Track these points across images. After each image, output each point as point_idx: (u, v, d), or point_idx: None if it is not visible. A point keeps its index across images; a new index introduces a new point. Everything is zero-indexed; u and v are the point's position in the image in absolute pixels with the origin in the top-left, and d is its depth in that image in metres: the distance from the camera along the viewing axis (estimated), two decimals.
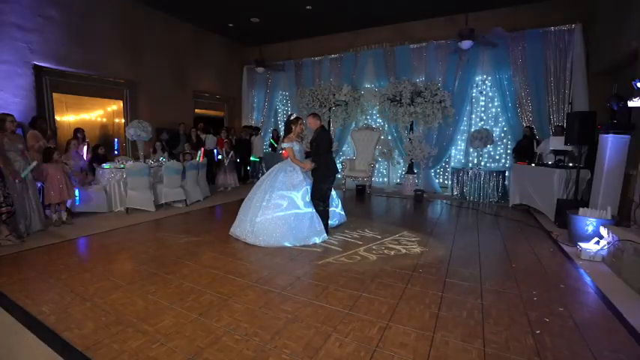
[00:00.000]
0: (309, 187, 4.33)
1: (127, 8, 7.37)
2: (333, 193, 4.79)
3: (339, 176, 9.03)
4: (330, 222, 4.57)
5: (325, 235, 4.29)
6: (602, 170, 4.32)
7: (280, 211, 4.11)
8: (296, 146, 4.40)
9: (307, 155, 4.62)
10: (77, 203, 5.42)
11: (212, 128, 8.80)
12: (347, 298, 2.76)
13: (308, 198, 4.28)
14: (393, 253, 3.88)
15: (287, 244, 4.02)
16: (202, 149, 7.12)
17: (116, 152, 7.43)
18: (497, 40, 6.70)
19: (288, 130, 4.50)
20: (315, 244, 4.12)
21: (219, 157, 8.30)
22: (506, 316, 2.50)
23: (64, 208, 4.98)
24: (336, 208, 4.95)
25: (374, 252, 3.91)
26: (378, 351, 2.08)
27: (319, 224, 4.26)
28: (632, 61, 4.93)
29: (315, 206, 4.30)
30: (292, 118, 4.51)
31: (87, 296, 2.76)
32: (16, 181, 4.22)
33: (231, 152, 8.05)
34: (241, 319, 2.42)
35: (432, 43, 7.85)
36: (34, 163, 4.51)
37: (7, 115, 4.39)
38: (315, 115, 4.57)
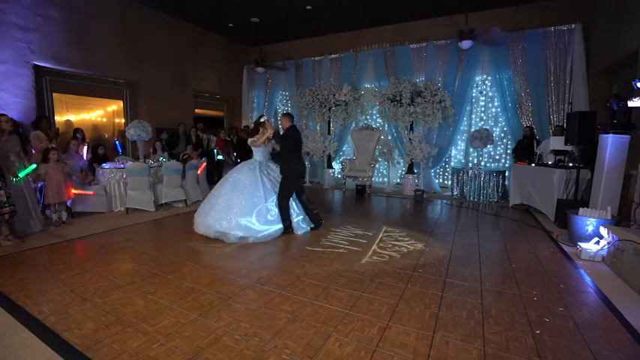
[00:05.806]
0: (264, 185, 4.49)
1: (127, 8, 7.37)
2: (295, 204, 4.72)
3: (339, 176, 9.07)
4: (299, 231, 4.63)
5: (281, 226, 4.43)
6: (602, 170, 4.32)
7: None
8: (261, 147, 4.68)
9: (272, 157, 4.89)
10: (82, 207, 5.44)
11: (212, 128, 8.80)
12: (347, 298, 2.76)
13: (260, 193, 4.42)
14: (402, 251, 3.88)
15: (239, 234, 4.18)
16: (204, 164, 7.09)
17: (120, 152, 7.40)
18: (497, 39, 6.70)
19: (256, 131, 4.69)
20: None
21: (219, 157, 8.31)
22: (506, 316, 2.50)
23: (65, 208, 4.98)
24: (298, 217, 4.69)
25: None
26: (378, 351, 2.08)
27: (271, 216, 4.40)
28: (632, 61, 4.93)
29: (279, 202, 4.45)
30: (261, 120, 4.71)
31: (87, 296, 2.77)
32: (13, 179, 4.21)
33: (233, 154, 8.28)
34: (241, 319, 2.42)
35: (432, 43, 7.85)
36: (33, 166, 4.49)
37: (0, 114, 4.36)
38: (287, 114, 4.77)
